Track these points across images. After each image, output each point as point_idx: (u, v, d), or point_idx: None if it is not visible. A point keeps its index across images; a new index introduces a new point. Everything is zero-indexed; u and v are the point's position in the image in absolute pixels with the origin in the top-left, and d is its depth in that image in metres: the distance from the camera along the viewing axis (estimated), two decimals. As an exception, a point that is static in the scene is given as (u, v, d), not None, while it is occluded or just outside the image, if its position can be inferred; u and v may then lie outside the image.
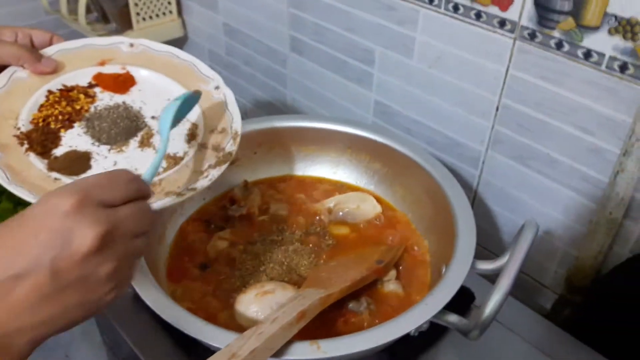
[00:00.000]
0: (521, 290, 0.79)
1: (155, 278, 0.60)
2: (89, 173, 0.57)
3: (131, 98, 0.65)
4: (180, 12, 1.21)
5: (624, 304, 0.63)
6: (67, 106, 0.62)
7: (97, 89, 0.65)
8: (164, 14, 1.18)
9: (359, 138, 0.77)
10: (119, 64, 0.67)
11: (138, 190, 0.42)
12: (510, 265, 0.52)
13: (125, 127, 0.61)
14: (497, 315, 0.70)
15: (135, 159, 0.59)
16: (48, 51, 0.65)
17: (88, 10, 1.20)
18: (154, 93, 0.66)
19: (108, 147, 0.60)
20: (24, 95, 0.62)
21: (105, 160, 0.58)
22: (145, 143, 0.61)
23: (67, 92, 0.63)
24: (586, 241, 0.69)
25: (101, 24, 1.19)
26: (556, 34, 0.62)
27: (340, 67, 0.91)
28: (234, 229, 0.71)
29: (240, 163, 0.77)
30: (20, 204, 0.84)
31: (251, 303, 0.58)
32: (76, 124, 0.61)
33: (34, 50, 0.63)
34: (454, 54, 0.74)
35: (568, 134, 0.66)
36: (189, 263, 0.67)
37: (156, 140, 0.61)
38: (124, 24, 1.16)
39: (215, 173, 0.59)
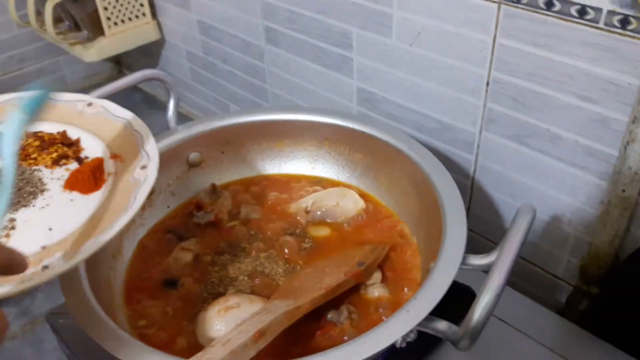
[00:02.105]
0: (532, 283, 0.72)
1: (108, 300, 0.54)
2: None
3: None
4: (154, 15, 1.15)
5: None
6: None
7: None
8: (136, 17, 1.12)
9: (336, 128, 0.70)
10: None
11: None
12: (501, 259, 0.44)
13: None
14: (505, 316, 0.63)
15: None
16: None
17: (59, 20, 1.15)
18: None
19: None
20: None
21: None
22: None
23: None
24: (599, 224, 0.62)
25: (73, 32, 1.13)
26: (544, -10, 0.55)
27: (318, 55, 0.84)
28: (200, 238, 0.64)
29: (206, 165, 0.70)
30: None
31: (214, 321, 0.51)
32: None
33: None
34: (435, 28, 0.67)
35: (568, 104, 0.59)
36: (149, 281, 0.60)
37: None
38: (96, 31, 1.10)
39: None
